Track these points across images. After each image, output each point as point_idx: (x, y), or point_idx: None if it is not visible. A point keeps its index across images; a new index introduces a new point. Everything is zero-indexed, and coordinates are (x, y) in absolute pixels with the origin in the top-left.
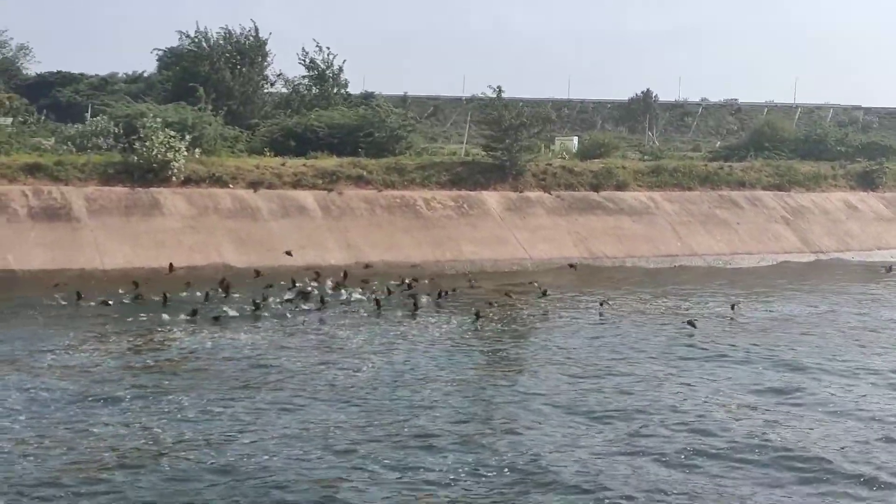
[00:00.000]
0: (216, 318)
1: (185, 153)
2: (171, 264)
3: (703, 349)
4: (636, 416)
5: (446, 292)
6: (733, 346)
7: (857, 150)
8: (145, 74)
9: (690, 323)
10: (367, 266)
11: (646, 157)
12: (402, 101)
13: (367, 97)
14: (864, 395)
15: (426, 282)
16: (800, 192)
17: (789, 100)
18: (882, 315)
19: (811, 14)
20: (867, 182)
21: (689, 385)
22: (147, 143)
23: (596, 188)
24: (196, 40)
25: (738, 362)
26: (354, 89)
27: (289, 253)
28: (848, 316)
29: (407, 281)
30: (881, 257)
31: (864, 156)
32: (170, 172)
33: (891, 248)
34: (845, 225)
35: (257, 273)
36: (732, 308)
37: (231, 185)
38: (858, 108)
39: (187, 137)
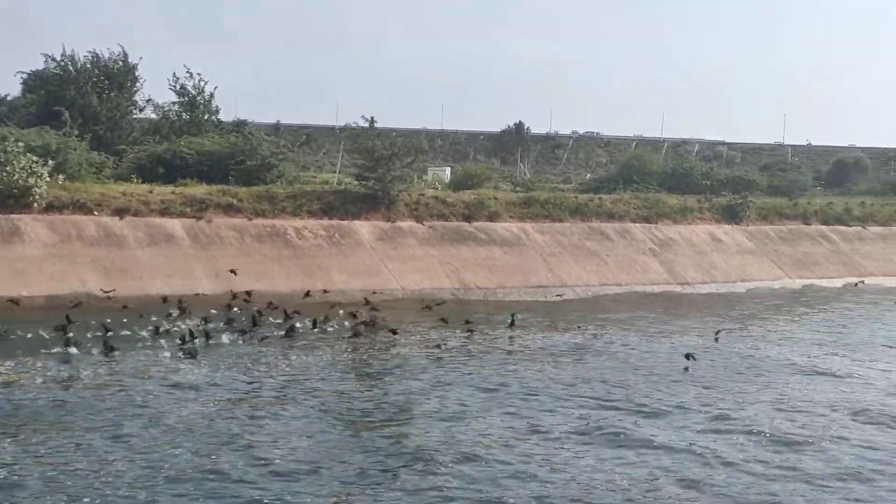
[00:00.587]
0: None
1: (48, 179)
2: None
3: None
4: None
5: (365, 322)
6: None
7: (721, 183)
8: (8, 98)
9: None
10: (247, 295)
11: (518, 189)
12: (275, 129)
13: (239, 125)
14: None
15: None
16: (667, 224)
17: (657, 134)
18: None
19: (679, 51)
20: (732, 215)
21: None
22: (7, 168)
23: (468, 219)
24: (62, 63)
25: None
26: (227, 116)
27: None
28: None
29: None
30: (744, 289)
31: (729, 189)
32: (31, 198)
33: (753, 281)
34: (710, 257)
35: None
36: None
37: (96, 212)
38: (722, 143)
39: (50, 163)
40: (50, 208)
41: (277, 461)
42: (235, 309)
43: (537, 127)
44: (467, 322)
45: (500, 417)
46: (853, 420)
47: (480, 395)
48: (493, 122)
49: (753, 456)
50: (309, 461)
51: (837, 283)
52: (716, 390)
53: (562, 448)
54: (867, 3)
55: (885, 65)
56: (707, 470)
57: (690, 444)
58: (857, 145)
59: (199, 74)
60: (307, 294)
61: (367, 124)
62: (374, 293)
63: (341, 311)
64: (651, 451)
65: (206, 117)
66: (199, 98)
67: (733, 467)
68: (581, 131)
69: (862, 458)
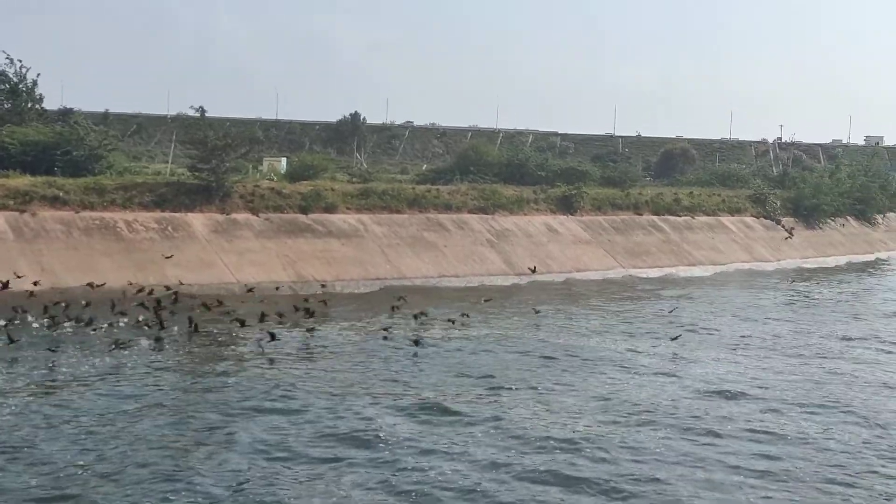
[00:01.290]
0: None
1: None
2: None
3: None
4: None
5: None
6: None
7: (556, 174)
8: None
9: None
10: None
11: (355, 180)
12: (104, 117)
13: (66, 113)
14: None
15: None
16: (504, 215)
17: (492, 125)
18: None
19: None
20: (566, 206)
21: None
22: None
23: (305, 210)
24: None
25: None
26: (52, 105)
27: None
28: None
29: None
30: (580, 278)
31: (563, 180)
32: None
33: (588, 270)
34: (546, 247)
35: None
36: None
37: None
38: (556, 133)
39: None
40: None
41: None
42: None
43: (373, 117)
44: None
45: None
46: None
47: None
48: (329, 112)
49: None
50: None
51: (670, 271)
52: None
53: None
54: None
55: (710, 58)
56: None
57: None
58: (684, 136)
59: (20, 61)
60: (141, 290)
61: (197, 114)
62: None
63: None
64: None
65: (28, 106)
66: (20, 86)
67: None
68: (417, 122)
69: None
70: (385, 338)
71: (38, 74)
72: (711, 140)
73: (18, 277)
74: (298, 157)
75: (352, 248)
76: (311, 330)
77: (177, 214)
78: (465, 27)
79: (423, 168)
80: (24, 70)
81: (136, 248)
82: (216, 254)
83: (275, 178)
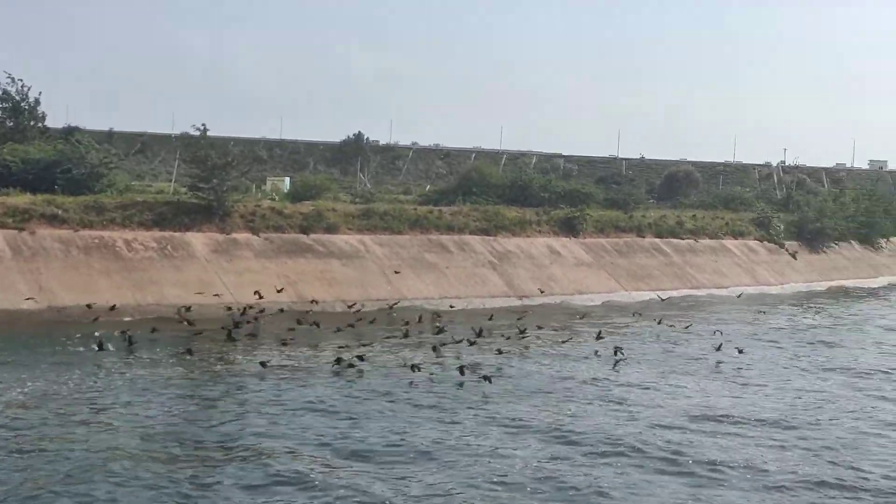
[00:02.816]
0: None
1: None
2: None
3: None
4: None
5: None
6: None
7: (559, 196)
8: None
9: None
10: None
11: (357, 200)
12: (108, 136)
13: (70, 131)
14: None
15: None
16: (506, 237)
17: (496, 146)
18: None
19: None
20: (569, 228)
21: None
22: None
23: (306, 231)
24: None
25: None
26: (57, 123)
27: None
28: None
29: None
30: (581, 301)
31: (567, 202)
32: None
33: (590, 293)
34: (549, 270)
35: None
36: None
37: None
38: (560, 155)
39: None
40: None
41: None
42: None
43: (377, 137)
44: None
45: None
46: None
47: None
48: (334, 133)
49: None
50: None
51: (673, 294)
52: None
53: None
54: (687, 24)
55: (715, 81)
56: None
57: None
58: (688, 159)
59: (20, 80)
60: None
61: (199, 133)
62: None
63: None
64: None
65: (31, 124)
66: (23, 104)
67: None
68: (421, 143)
69: None
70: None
71: (40, 93)
72: (715, 163)
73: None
74: (301, 177)
75: (353, 268)
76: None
77: (176, 234)
78: (471, 50)
79: (427, 189)
80: (25, 89)
81: (136, 267)
82: (216, 274)
83: (276, 198)
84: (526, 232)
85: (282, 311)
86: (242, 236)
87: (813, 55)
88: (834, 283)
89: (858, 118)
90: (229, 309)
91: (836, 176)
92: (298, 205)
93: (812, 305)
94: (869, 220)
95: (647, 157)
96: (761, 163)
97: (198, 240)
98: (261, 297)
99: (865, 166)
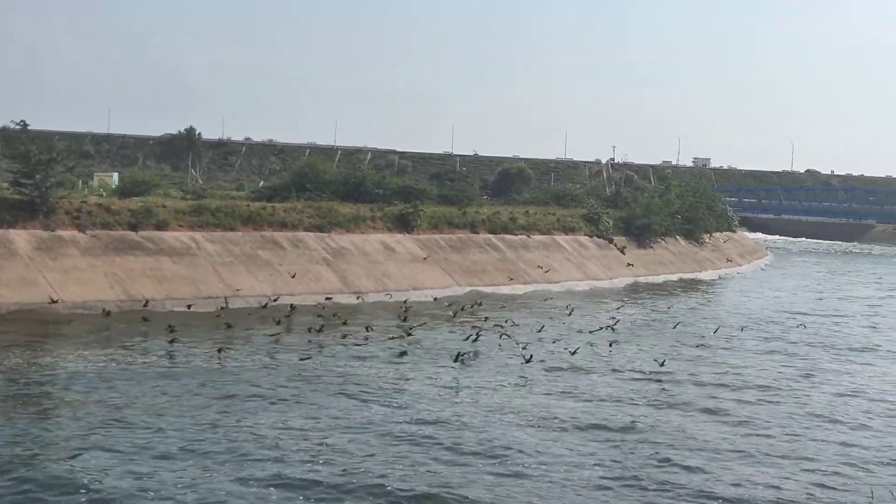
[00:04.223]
0: None
1: None
2: None
3: None
4: None
5: None
6: None
7: (394, 192)
8: None
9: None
10: None
11: (188, 196)
12: None
13: None
14: None
15: None
16: (340, 233)
17: (330, 141)
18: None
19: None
20: (404, 224)
21: None
22: None
23: (135, 227)
24: None
25: None
26: None
27: None
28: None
29: None
30: (417, 297)
31: (401, 199)
32: None
33: (425, 289)
34: (383, 266)
35: None
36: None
37: None
38: (394, 151)
39: None
40: None
41: None
42: None
43: (209, 132)
44: None
45: None
46: None
47: None
48: (164, 127)
49: None
50: None
51: (505, 289)
52: None
53: None
54: (518, 20)
55: (546, 79)
56: None
57: None
58: (521, 156)
59: None
60: None
61: (19, 127)
62: None
63: None
64: None
65: None
66: None
67: None
68: (255, 138)
69: None
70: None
71: None
72: (547, 160)
73: None
74: (130, 172)
75: (184, 266)
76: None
77: None
78: (304, 44)
79: (260, 185)
80: None
81: None
82: (39, 272)
83: (104, 194)
84: (360, 228)
85: (108, 313)
86: (68, 233)
87: (639, 55)
88: (660, 278)
89: (683, 117)
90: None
91: (663, 173)
92: (127, 201)
93: (634, 300)
94: (693, 216)
95: (481, 153)
96: (592, 160)
97: (20, 237)
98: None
99: (690, 164)
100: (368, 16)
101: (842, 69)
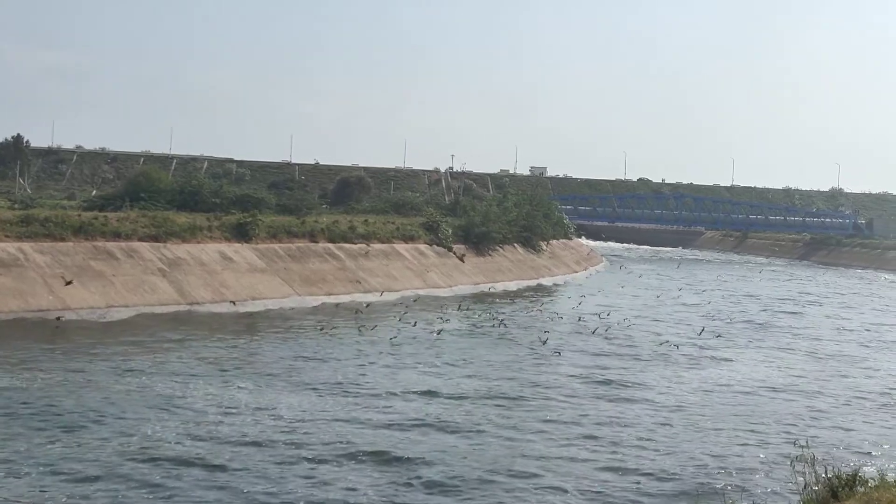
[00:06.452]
0: None
1: None
2: None
3: None
4: None
5: None
6: None
7: (231, 202)
8: None
9: None
10: None
11: (15, 206)
12: None
13: None
14: None
15: None
16: (176, 243)
17: (166, 150)
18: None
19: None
20: (241, 234)
21: None
22: None
23: None
24: None
25: None
26: None
27: None
28: None
29: None
30: (255, 307)
31: (238, 208)
32: None
33: (264, 298)
34: (221, 276)
35: None
36: None
37: None
38: (231, 160)
39: None
40: None
41: None
42: None
43: (38, 140)
44: None
45: None
46: None
47: None
48: None
49: None
50: None
51: (345, 298)
52: None
53: None
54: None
55: (386, 88)
56: None
57: None
58: (361, 165)
59: None
60: None
61: None
62: None
63: None
64: None
65: None
66: None
67: None
68: (87, 146)
69: None
70: None
71: None
72: (386, 168)
73: None
74: None
75: (11, 278)
76: None
77: None
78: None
79: (92, 194)
80: None
81: None
82: None
83: None
84: (197, 238)
85: None
86: None
87: (478, 64)
88: (499, 285)
89: (521, 125)
90: None
91: (501, 181)
92: None
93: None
94: (530, 224)
95: (321, 162)
96: (431, 169)
97: None
98: None
99: (527, 172)
100: (195, 16)
101: (665, 85)
